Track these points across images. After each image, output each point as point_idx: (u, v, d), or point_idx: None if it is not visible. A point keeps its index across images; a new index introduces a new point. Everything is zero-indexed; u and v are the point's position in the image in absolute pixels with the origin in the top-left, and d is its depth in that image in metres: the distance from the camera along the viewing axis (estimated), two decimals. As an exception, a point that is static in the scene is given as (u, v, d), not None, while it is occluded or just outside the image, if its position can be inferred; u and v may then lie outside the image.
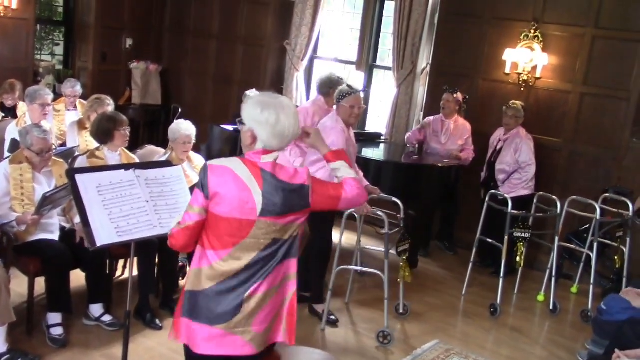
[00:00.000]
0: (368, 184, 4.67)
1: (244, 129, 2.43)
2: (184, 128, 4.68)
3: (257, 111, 2.38)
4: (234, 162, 2.39)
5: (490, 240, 5.37)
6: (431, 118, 6.44)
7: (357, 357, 4.24)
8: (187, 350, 2.49)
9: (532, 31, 6.20)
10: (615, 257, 5.33)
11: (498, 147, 5.97)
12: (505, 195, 5.24)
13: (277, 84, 7.99)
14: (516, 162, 5.79)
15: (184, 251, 2.46)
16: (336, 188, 2.56)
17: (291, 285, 2.51)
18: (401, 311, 4.87)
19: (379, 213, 4.30)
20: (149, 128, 8.64)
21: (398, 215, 4.56)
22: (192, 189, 3.13)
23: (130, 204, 2.72)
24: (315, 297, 4.71)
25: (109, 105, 5.38)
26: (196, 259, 2.44)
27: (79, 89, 6.15)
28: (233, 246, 2.38)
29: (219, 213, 2.34)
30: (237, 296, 2.40)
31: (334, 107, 4.56)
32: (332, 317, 4.64)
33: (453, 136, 6.27)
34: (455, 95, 6.24)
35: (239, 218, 2.35)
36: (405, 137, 6.65)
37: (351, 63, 7.74)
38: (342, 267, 4.54)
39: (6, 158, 4.23)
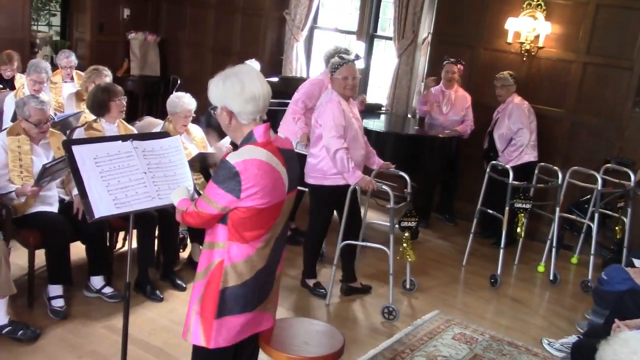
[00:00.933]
0: (380, 160, 4.64)
1: (217, 112, 2.42)
2: (186, 102, 4.63)
3: (219, 86, 2.38)
4: (257, 151, 2.34)
5: (491, 211, 5.36)
6: (431, 89, 6.39)
7: (363, 330, 4.25)
8: (206, 352, 2.48)
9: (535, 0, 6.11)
10: (616, 228, 5.31)
11: (495, 118, 5.95)
12: (506, 166, 5.21)
13: (277, 54, 7.92)
14: (509, 128, 5.78)
15: (198, 227, 2.53)
16: None
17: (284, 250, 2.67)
18: (408, 287, 4.86)
19: (385, 187, 4.26)
20: (147, 100, 8.58)
21: (405, 190, 4.52)
22: (190, 162, 3.11)
23: (128, 175, 2.69)
24: (307, 272, 4.72)
25: (107, 77, 5.33)
26: (229, 255, 2.41)
27: (73, 59, 6.09)
28: (267, 231, 2.43)
29: (259, 205, 2.34)
30: (271, 277, 2.53)
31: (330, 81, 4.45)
32: (322, 290, 4.64)
33: (454, 106, 6.24)
34: (458, 66, 6.20)
35: (275, 203, 2.39)
36: (417, 109, 6.60)
37: (351, 33, 7.65)
38: (346, 242, 4.52)
39: (4, 130, 4.19)
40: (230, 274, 2.41)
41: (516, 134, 5.75)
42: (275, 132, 5.42)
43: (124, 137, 2.82)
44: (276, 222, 2.45)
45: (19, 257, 4.24)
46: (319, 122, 4.34)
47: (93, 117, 4.57)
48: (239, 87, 2.34)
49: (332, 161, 4.27)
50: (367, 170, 4.53)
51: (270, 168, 2.34)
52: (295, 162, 2.52)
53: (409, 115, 6.99)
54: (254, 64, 6.90)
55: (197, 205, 2.41)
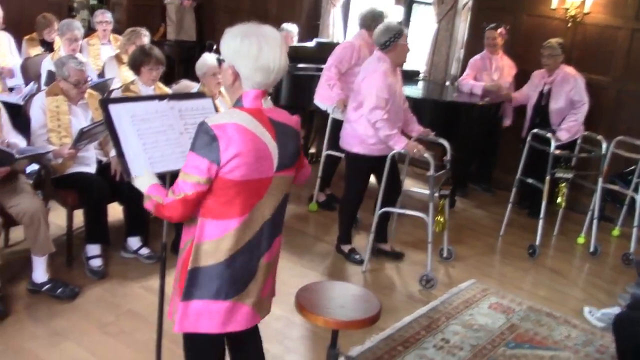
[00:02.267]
0: (421, 127, 4.55)
1: (223, 66, 2.18)
2: (209, 60, 4.59)
3: (236, 42, 2.10)
4: (239, 115, 2.09)
5: (530, 181, 5.23)
6: (477, 57, 6.18)
7: (399, 297, 4.21)
8: (191, 337, 2.30)
9: (583, -37, 5.88)
10: (661, 200, 5.15)
11: (545, 90, 5.67)
12: (547, 135, 5.04)
13: (313, 19, 7.81)
14: (570, 102, 5.51)
15: (180, 222, 2.21)
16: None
17: (280, 239, 2.36)
18: (445, 255, 4.80)
19: (426, 155, 4.18)
20: (183, 65, 8.56)
21: (444, 158, 4.43)
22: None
23: (164, 135, 2.66)
24: (343, 238, 4.69)
25: (145, 37, 5.36)
26: (201, 232, 2.16)
27: (109, 16, 6.11)
28: (250, 210, 2.15)
29: (234, 178, 2.06)
30: (252, 264, 2.23)
31: (380, 50, 4.28)
32: (357, 257, 4.61)
33: (503, 72, 6.06)
34: (499, 31, 6.01)
35: (258, 178, 2.11)
36: (460, 84, 6.35)
37: (390, -2, 7.48)
38: (384, 209, 4.47)
39: (42, 90, 4.21)
40: (200, 253, 2.16)
41: (579, 108, 5.48)
42: (311, 98, 5.44)
43: (160, 97, 2.78)
44: (260, 202, 2.16)
45: (57, 217, 4.31)
46: (362, 90, 4.26)
47: (130, 79, 4.57)
48: (255, 51, 2.08)
49: (374, 131, 4.21)
50: (406, 137, 4.45)
51: (253, 136, 2.07)
52: (291, 139, 2.22)
53: (448, 82, 6.84)
54: (292, 28, 6.84)
55: (175, 190, 2.10)
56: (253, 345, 2.55)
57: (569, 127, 5.46)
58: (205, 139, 2.03)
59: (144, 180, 2.30)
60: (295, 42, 6.97)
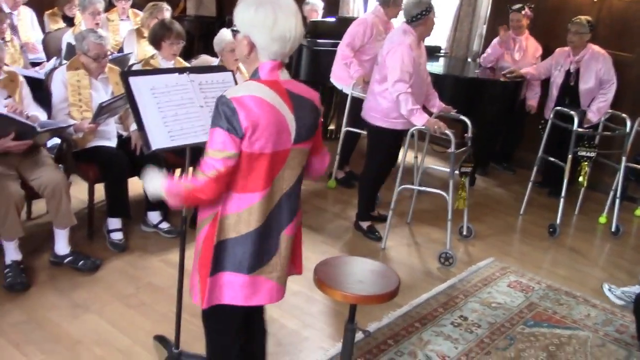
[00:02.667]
0: (442, 103, 4.50)
1: (238, 37, 2.13)
2: (227, 36, 4.56)
3: (250, 12, 2.06)
4: (257, 87, 2.07)
5: (552, 159, 5.17)
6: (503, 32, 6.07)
7: (417, 274, 4.21)
8: (213, 309, 2.24)
9: None
10: (686, 180, 5.07)
11: (572, 69, 5.52)
12: (590, 116, 4.93)
13: (334, -6, 7.71)
14: (600, 81, 5.39)
15: (215, 201, 2.14)
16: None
17: (301, 213, 2.35)
18: (465, 233, 4.78)
19: (446, 132, 4.14)
20: (203, 40, 8.53)
21: (465, 135, 4.39)
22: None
23: (185, 108, 2.66)
24: (362, 214, 4.68)
25: (167, 10, 5.36)
26: (225, 205, 2.15)
27: None
28: (271, 182, 2.14)
29: (255, 150, 2.05)
30: (273, 238, 2.23)
31: (408, 23, 4.22)
32: (376, 234, 4.61)
33: (527, 53, 5.96)
34: (523, 12, 5.89)
35: (277, 150, 2.10)
36: (482, 58, 6.27)
37: (412, -28, 7.36)
38: (404, 186, 4.45)
39: (63, 64, 4.23)
40: (224, 226, 2.16)
41: (608, 88, 5.36)
42: (328, 75, 5.39)
43: (180, 70, 2.78)
44: (279, 175, 2.16)
45: (79, 191, 4.35)
46: (386, 63, 4.21)
47: (150, 54, 4.56)
48: (271, 20, 2.05)
49: (396, 104, 4.17)
50: (427, 113, 4.41)
51: (271, 108, 2.05)
52: (309, 112, 2.20)
53: (469, 59, 6.75)
54: (316, 1, 6.78)
55: (205, 170, 2.06)
56: (258, 317, 2.58)
57: (599, 108, 5.33)
58: (227, 112, 2.01)
59: (154, 183, 2.23)
60: (320, 17, 6.92)
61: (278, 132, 2.08)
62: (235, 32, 2.15)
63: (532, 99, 5.97)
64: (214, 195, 2.10)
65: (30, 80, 4.10)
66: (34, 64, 5.43)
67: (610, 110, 5.34)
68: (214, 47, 4.63)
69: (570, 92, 5.54)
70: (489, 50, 6.17)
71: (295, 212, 2.29)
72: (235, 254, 2.18)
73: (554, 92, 5.66)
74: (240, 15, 2.10)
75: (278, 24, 2.06)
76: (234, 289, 2.21)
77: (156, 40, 4.38)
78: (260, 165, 2.09)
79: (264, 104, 2.04)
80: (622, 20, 5.83)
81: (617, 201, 5.14)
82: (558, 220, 4.98)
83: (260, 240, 2.20)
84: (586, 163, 4.98)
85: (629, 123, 5.00)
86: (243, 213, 2.15)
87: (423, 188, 4.57)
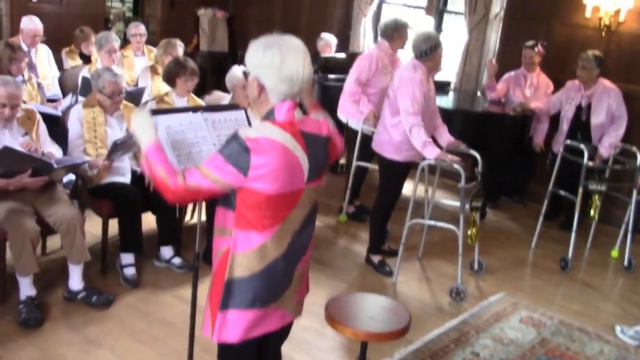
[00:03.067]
0: (451, 137, 4.53)
1: (249, 79, 2.18)
2: (237, 72, 4.64)
3: (259, 53, 2.12)
4: (272, 129, 2.10)
5: (563, 193, 5.18)
6: (512, 73, 6.10)
7: (428, 309, 4.21)
8: (228, 345, 2.28)
9: (618, -29, 5.81)
10: (698, 213, 5.05)
11: (583, 104, 5.52)
12: (580, 146, 4.96)
13: (344, 30, 7.85)
14: (611, 116, 5.41)
15: (175, 205, 2.20)
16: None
17: (311, 247, 2.39)
18: (476, 268, 4.77)
19: (456, 166, 4.17)
20: (215, 76, 8.67)
21: (476, 169, 4.42)
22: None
23: (198, 146, 2.71)
24: (373, 247, 4.69)
25: (180, 47, 5.48)
26: (235, 244, 2.19)
27: (143, 28, 6.25)
28: (282, 221, 2.18)
29: (268, 191, 2.09)
30: (287, 274, 2.26)
31: (418, 58, 4.30)
32: (387, 268, 4.61)
33: (538, 90, 5.96)
34: (536, 49, 5.93)
35: (290, 191, 2.14)
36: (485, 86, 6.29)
37: (420, 8, 7.49)
38: (415, 220, 4.47)
39: (80, 102, 4.32)
40: (236, 264, 2.19)
41: (620, 123, 5.40)
42: (335, 109, 5.45)
43: (194, 109, 2.83)
44: (292, 214, 2.19)
45: (93, 226, 4.39)
46: (398, 97, 4.27)
47: (164, 90, 4.65)
48: (278, 61, 2.09)
49: (410, 137, 4.22)
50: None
51: (286, 151, 2.09)
52: (320, 149, 2.24)
53: (479, 93, 6.81)
54: (330, 38, 6.89)
55: (187, 178, 2.12)
56: (275, 345, 2.58)
57: (611, 144, 5.34)
58: (236, 148, 2.06)
59: (144, 132, 2.26)
60: (333, 52, 7.03)
61: (291, 173, 2.12)
62: (246, 74, 2.21)
63: (539, 137, 5.95)
64: (178, 202, 2.18)
65: (48, 117, 4.20)
66: (51, 101, 5.54)
67: (621, 144, 5.35)
68: (226, 84, 4.72)
69: (581, 126, 5.53)
70: (499, 84, 6.13)
71: (307, 248, 2.33)
72: (248, 291, 2.21)
73: (565, 126, 5.65)
74: (250, 57, 2.16)
75: (285, 65, 2.10)
76: (248, 324, 2.24)
77: (171, 78, 4.48)
78: (271, 206, 2.13)
79: (277, 146, 2.08)
80: (631, 54, 5.88)
81: (629, 235, 5.12)
82: (570, 254, 4.97)
83: (273, 277, 2.23)
84: (597, 196, 4.98)
85: (639, 156, 5.01)
86: (254, 251, 2.18)
87: (434, 222, 4.59)
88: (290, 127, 2.13)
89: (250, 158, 2.05)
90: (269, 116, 2.17)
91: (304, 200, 2.22)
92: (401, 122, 4.26)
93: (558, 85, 5.90)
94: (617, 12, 5.81)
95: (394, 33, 5.15)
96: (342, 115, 5.48)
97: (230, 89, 4.68)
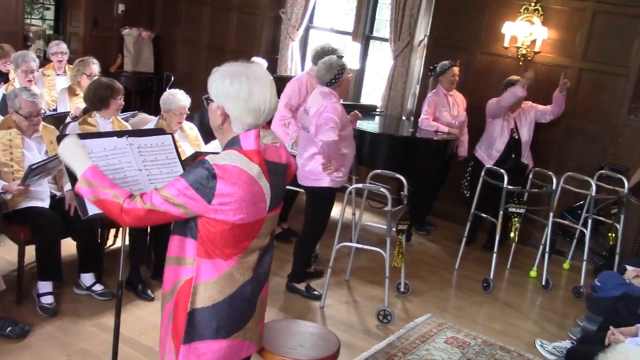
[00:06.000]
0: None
1: (212, 106, 2.14)
2: (180, 99, 4.58)
3: (225, 83, 2.08)
4: (238, 158, 2.07)
5: (484, 215, 5.35)
6: (431, 95, 6.24)
7: (356, 333, 4.22)
8: None
9: (532, 4, 6.11)
10: (609, 234, 5.31)
11: (507, 126, 5.80)
12: (501, 170, 5.17)
13: (272, 53, 7.88)
14: (531, 134, 5.84)
15: (130, 227, 2.17)
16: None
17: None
18: (402, 290, 4.83)
19: (382, 189, 4.23)
20: (140, 96, 8.52)
21: (401, 192, 4.50)
22: (184, 162, 3.05)
23: (123, 172, 2.64)
24: (298, 276, 4.67)
25: (95, 64, 5.33)
26: (198, 273, 2.14)
27: (64, 47, 6.05)
28: (244, 250, 2.16)
29: (232, 220, 2.07)
30: (250, 302, 2.24)
31: (326, 86, 4.36)
32: (315, 292, 4.61)
33: (459, 106, 6.19)
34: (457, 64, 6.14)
35: (254, 220, 2.12)
36: (424, 124, 6.29)
37: (347, 33, 7.62)
38: (343, 243, 4.50)
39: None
40: (199, 294, 2.14)
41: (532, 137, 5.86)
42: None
43: (119, 133, 2.77)
44: (253, 242, 2.18)
45: (8, 252, 4.20)
46: (314, 122, 4.30)
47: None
48: (246, 93, 2.07)
49: (324, 148, 4.24)
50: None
51: (252, 180, 2.07)
52: (280, 177, 2.25)
53: (404, 118, 6.97)
54: (261, 61, 6.86)
55: (145, 199, 2.06)
56: None
57: (528, 159, 5.84)
58: (203, 174, 2.02)
59: (76, 153, 2.20)
60: None
61: (255, 202, 2.10)
62: (209, 101, 2.16)
63: (462, 149, 6.19)
64: (133, 224, 2.11)
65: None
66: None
67: (537, 168, 5.60)
68: (161, 105, 4.62)
69: (516, 144, 5.81)
70: (426, 109, 6.14)
71: (268, 275, 2.33)
72: (211, 321, 2.17)
73: (499, 146, 5.83)
74: (214, 85, 2.13)
75: (253, 96, 2.08)
76: (213, 356, 2.19)
77: (104, 100, 4.32)
78: (235, 235, 2.10)
79: (244, 176, 2.06)
80: (546, 83, 6.16)
81: (547, 255, 5.33)
82: (491, 275, 5.12)
83: (237, 306, 2.20)
84: (516, 219, 5.17)
85: (554, 180, 5.24)
86: (219, 280, 2.15)
87: (361, 245, 4.63)
88: (256, 156, 2.11)
89: (216, 185, 2.02)
90: (234, 144, 2.13)
91: (264, 229, 2.21)
92: (315, 153, 4.32)
93: (478, 110, 6.09)
94: (533, 42, 6.11)
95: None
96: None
97: (165, 111, 4.59)
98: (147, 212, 2.06)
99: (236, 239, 2.12)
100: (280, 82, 5.97)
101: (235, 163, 2.05)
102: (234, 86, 2.07)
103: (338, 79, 4.32)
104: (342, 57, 4.58)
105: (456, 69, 6.06)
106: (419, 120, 6.12)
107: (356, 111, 4.88)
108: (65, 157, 2.23)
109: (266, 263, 2.29)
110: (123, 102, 4.45)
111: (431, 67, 6.17)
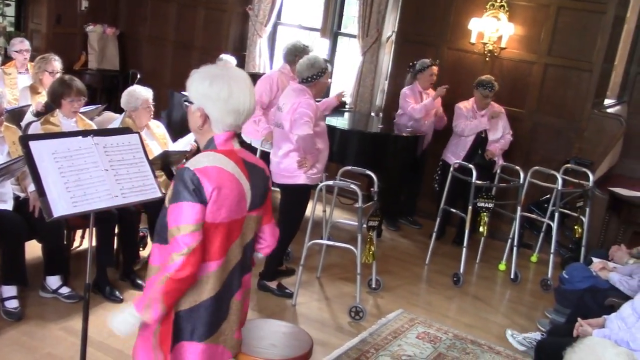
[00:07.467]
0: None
1: (192, 108, 2.16)
2: (142, 92, 4.50)
3: (204, 85, 2.11)
4: (216, 158, 2.11)
5: (454, 210, 5.40)
6: (407, 90, 6.23)
7: (329, 330, 4.21)
8: None
9: (498, 0, 6.17)
10: (575, 227, 5.40)
11: (478, 124, 5.85)
12: (469, 165, 5.22)
13: (240, 50, 7.81)
14: (502, 132, 5.89)
15: (194, 277, 2.10)
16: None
17: (250, 278, 2.38)
18: (374, 286, 4.84)
19: (353, 186, 4.22)
20: (106, 94, 8.37)
21: (371, 189, 4.50)
22: (152, 160, 3.01)
23: (88, 172, 2.59)
24: (271, 274, 4.62)
25: (56, 61, 5.21)
26: None
27: (27, 44, 5.91)
28: (227, 251, 2.17)
29: (217, 220, 2.08)
30: (225, 304, 2.23)
31: (301, 83, 4.34)
32: (287, 290, 4.58)
33: (435, 103, 6.21)
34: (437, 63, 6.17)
35: (235, 219, 2.14)
36: (414, 110, 6.19)
37: (315, 30, 7.60)
38: (314, 241, 4.48)
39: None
40: (188, 292, 2.14)
41: (505, 137, 5.91)
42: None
43: (84, 133, 2.72)
44: (235, 243, 2.19)
45: (-30, 256, 4.08)
46: (288, 118, 4.27)
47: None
48: (226, 94, 2.09)
49: (299, 142, 4.23)
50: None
51: (232, 177, 2.11)
52: (261, 180, 2.27)
53: (373, 114, 6.98)
54: (230, 59, 6.79)
55: (177, 249, 2.03)
56: None
57: (499, 156, 5.87)
58: (191, 185, 2.03)
59: (126, 324, 2.13)
60: None
61: (237, 200, 2.12)
62: (188, 103, 2.18)
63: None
64: (194, 270, 2.07)
65: None
66: None
67: (505, 163, 5.66)
68: (125, 105, 4.53)
69: (481, 143, 5.87)
70: (409, 100, 6.11)
71: (244, 276, 2.31)
72: (190, 323, 2.16)
73: (466, 144, 5.89)
74: (194, 86, 2.14)
75: (233, 97, 2.11)
76: (192, 357, 2.18)
77: (56, 98, 4.25)
78: (218, 234, 2.11)
79: (224, 174, 2.09)
80: (512, 78, 6.24)
81: (515, 249, 5.40)
82: (461, 269, 5.17)
83: (213, 308, 2.19)
84: (485, 213, 5.22)
85: (522, 175, 5.30)
86: (199, 282, 2.14)
87: (332, 242, 4.63)
88: (232, 155, 2.15)
89: (202, 184, 2.04)
90: (210, 145, 2.17)
91: (245, 229, 2.22)
92: (290, 150, 4.30)
93: (447, 107, 6.13)
94: (500, 39, 6.16)
95: (295, 57, 5.18)
96: (244, 135, 5.45)
97: (131, 109, 4.50)
98: (189, 255, 2.03)
99: (220, 238, 2.12)
100: (251, 80, 5.95)
101: (215, 163, 2.09)
102: (214, 87, 2.11)
103: (316, 79, 4.30)
104: (328, 61, 4.55)
105: (435, 68, 6.09)
106: (407, 111, 6.05)
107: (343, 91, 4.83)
108: (123, 331, 2.15)
109: (244, 267, 2.29)
110: (78, 107, 4.32)
111: (410, 64, 6.20)
